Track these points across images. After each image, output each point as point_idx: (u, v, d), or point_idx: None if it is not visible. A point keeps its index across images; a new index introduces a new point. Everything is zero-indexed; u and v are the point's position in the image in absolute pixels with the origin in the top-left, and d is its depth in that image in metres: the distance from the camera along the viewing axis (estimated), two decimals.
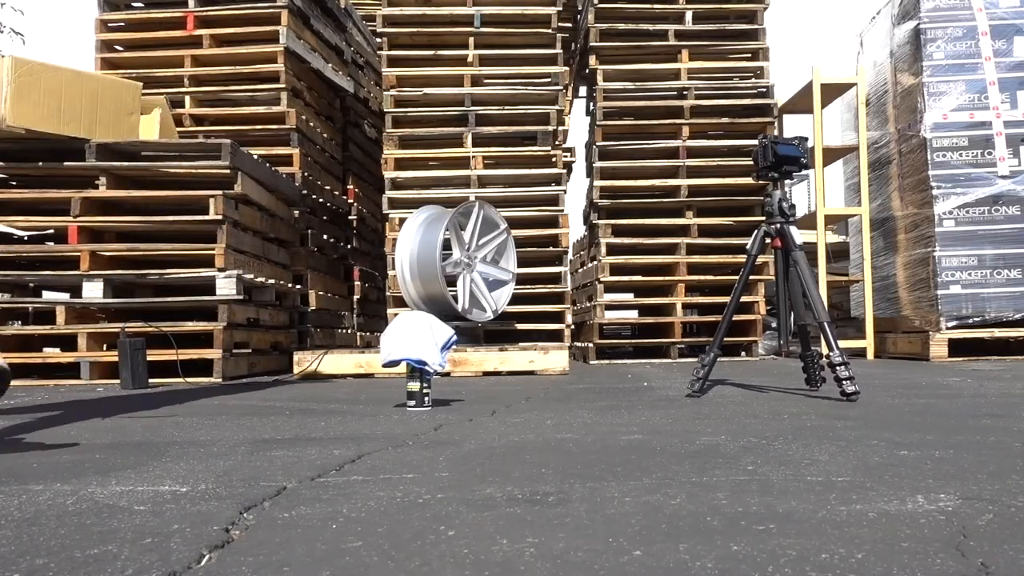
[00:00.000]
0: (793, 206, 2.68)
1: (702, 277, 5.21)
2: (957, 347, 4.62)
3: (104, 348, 3.71)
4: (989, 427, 1.74)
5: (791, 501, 1.06)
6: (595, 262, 5.29)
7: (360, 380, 3.81)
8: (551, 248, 4.96)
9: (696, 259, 5.13)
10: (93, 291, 3.66)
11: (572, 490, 1.15)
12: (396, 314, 3.64)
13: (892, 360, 4.86)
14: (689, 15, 5.35)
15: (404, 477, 1.27)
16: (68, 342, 3.73)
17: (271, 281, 4.21)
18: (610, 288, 5.27)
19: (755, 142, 2.73)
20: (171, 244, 3.81)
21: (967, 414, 1.96)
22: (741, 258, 3.02)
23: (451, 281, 4.23)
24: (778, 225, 2.64)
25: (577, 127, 7.06)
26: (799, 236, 2.66)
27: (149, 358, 3.42)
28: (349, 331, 5.71)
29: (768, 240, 2.68)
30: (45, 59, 3.66)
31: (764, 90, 5.33)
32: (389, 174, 5.00)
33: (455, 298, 4.20)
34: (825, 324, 2.54)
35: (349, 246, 5.93)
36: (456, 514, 1.02)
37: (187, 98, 4.86)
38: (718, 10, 5.41)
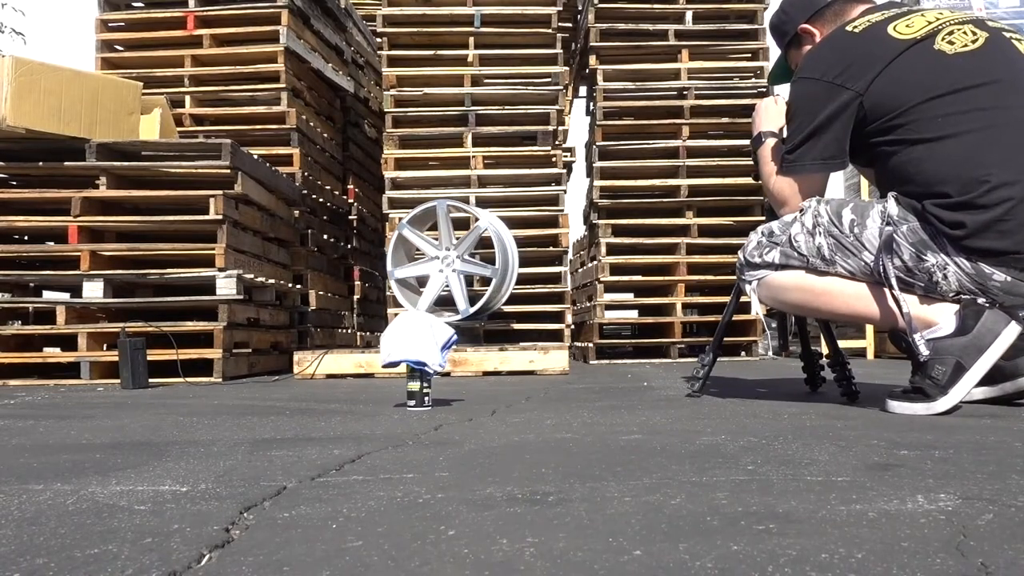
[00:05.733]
0: None
1: (702, 277, 5.22)
2: None
3: (104, 348, 3.71)
4: (989, 427, 1.74)
5: (791, 501, 1.06)
6: (595, 262, 5.29)
7: (360, 380, 3.81)
8: (551, 248, 4.96)
9: (696, 259, 5.13)
10: (93, 291, 3.66)
11: (572, 490, 1.15)
12: (396, 314, 3.64)
13: (892, 360, 4.86)
14: (689, 15, 5.35)
15: (404, 477, 1.27)
16: (68, 342, 3.73)
17: (271, 281, 4.22)
18: (610, 288, 5.27)
19: None
20: (171, 244, 3.81)
21: (966, 413, 1.96)
22: None
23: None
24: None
25: (577, 127, 7.07)
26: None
27: (149, 358, 3.43)
28: (349, 331, 5.71)
29: None
30: (45, 59, 3.67)
31: (764, 90, 5.32)
32: (389, 174, 5.00)
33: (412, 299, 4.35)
34: (825, 324, 2.54)
35: (349, 246, 5.93)
36: (456, 514, 1.02)
37: (187, 98, 4.86)
38: (718, 10, 5.41)
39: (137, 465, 1.43)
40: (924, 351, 1.94)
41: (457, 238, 4.30)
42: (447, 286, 4.28)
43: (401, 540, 0.91)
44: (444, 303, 4.36)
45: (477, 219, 4.26)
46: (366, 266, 6.18)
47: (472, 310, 4.17)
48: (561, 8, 5.23)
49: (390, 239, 4.55)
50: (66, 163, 3.75)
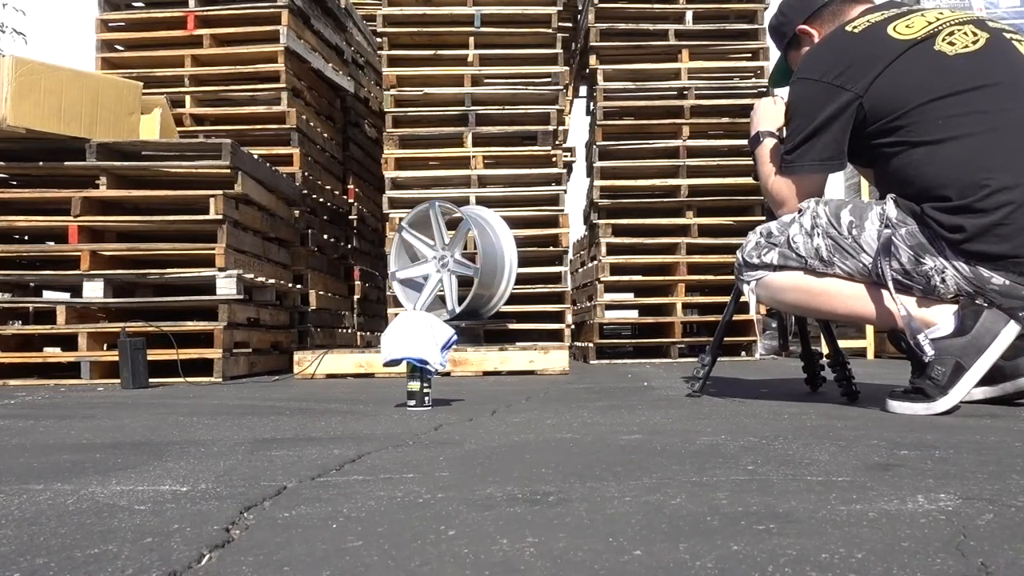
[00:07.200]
0: None
1: (702, 277, 5.21)
2: None
3: (104, 348, 3.71)
4: (989, 427, 1.74)
5: (791, 501, 1.06)
6: (595, 262, 5.29)
7: (360, 380, 3.81)
8: (551, 248, 4.96)
9: (696, 259, 5.13)
10: (93, 291, 3.66)
11: (572, 490, 1.15)
12: (396, 314, 3.64)
13: (892, 360, 4.86)
14: (689, 15, 5.35)
15: (404, 477, 1.28)
16: (68, 342, 3.73)
17: (271, 281, 4.22)
18: (610, 288, 5.27)
19: None
20: (171, 244, 3.81)
21: (966, 413, 1.96)
22: None
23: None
24: None
25: (577, 127, 7.06)
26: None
27: (149, 358, 3.43)
28: (349, 331, 5.71)
29: None
30: (45, 59, 3.67)
31: (764, 90, 5.32)
32: (389, 174, 5.00)
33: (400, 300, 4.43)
34: (825, 324, 2.54)
35: (349, 246, 5.93)
36: (456, 514, 1.02)
37: (187, 98, 4.86)
38: (718, 10, 5.41)
39: (137, 465, 1.43)
40: (929, 351, 1.94)
41: (450, 238, 4.30)
42: (442, 287, 4.28)
43: (401, 540, 0.91)
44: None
45: (463, 218, 4.25)
46: (366, 266, 6.18)
47: (458, 311, 4.17)
48: (561, 8, 5.23)
49: (390, 240, 4.55)
50: (66, 163, 3.75)
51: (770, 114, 2.31)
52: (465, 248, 4.34)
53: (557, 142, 5.09)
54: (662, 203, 5.29)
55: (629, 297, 5.99)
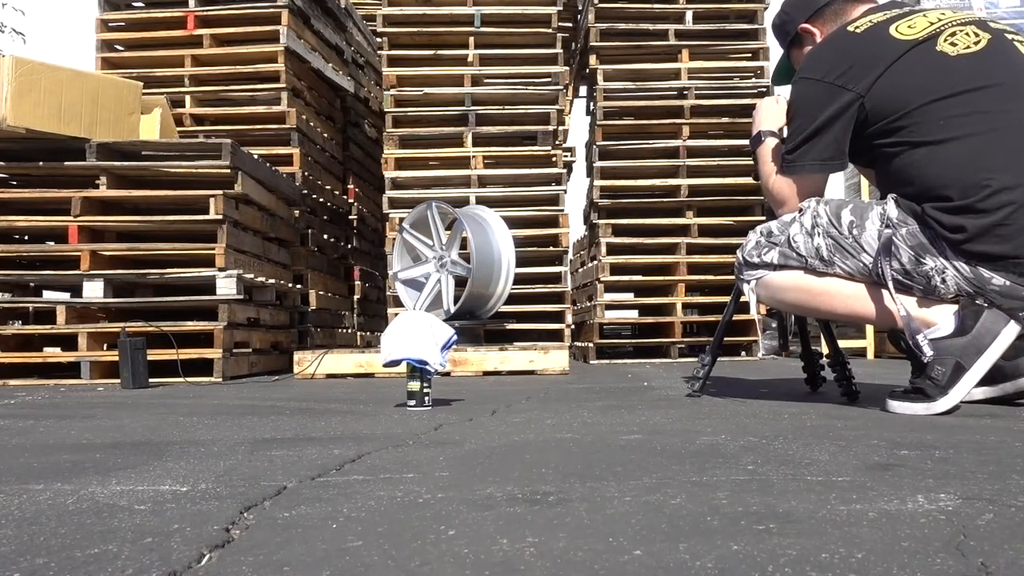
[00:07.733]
0: None
1: (702, 277, 5.21)
2: None
3: (104, 348, 3.71)
4: (989, 427, 1.74)
5: (791, 501, 1.06)
6: (595, 262, 5.29)
7: (360, 380, 3.81)
8: (551, 248, 4.96)
9: (696, 259, 5.13)
10: (93, 291, 3.66)
11: (572, 490, 1.15)
12: (396, 314, 3.64)
13: (892, 360, 4.86)
14: (689, 15, 5.35)
15: (404, 476, 1.28)
16: (68, 342, 3.73)
17: (271, 281, 4.22)
18: (610, 288, 5.27)
19: None
20: (171, 244, 3.81)
21: (966, 413, 1.96)
22: None
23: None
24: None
25: (577, 127, 7.06)
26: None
27: (149, 358, 3.42)
28: (349, 331, 5.71)
29: None
30: (45, 59, 3.67)
31: (764, 90, 5.32)
32: (389, 174, 5.01)
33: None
34: (825, 324, 2.54)
35: (349, 246, 5.93)
36: (456, 514, 1.02)
37: (187, 98, 4.86)
38: (718, 10, 5.41)
39: (137, 465, 1.43)
40: (928, 351, 1.94)
41: (447, 238, 4.30)
42: (438, 288, 4.29)
43: (401, 540, 0.91)
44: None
45: (457, 218, 4.25)
46: (366, 266, 6.18)
47: (453, 310, 4.17)
48: (561, 8, 5.23)
49: (391, 240, 4.55)
50: (66, 163, 3.75)
51: (772, 113, 2.31)
52: (464, 248, 4.34)
53: (557, 142, 5.09)
54: (662, 203, 5.29)
55: (629, 297, 5.99)
